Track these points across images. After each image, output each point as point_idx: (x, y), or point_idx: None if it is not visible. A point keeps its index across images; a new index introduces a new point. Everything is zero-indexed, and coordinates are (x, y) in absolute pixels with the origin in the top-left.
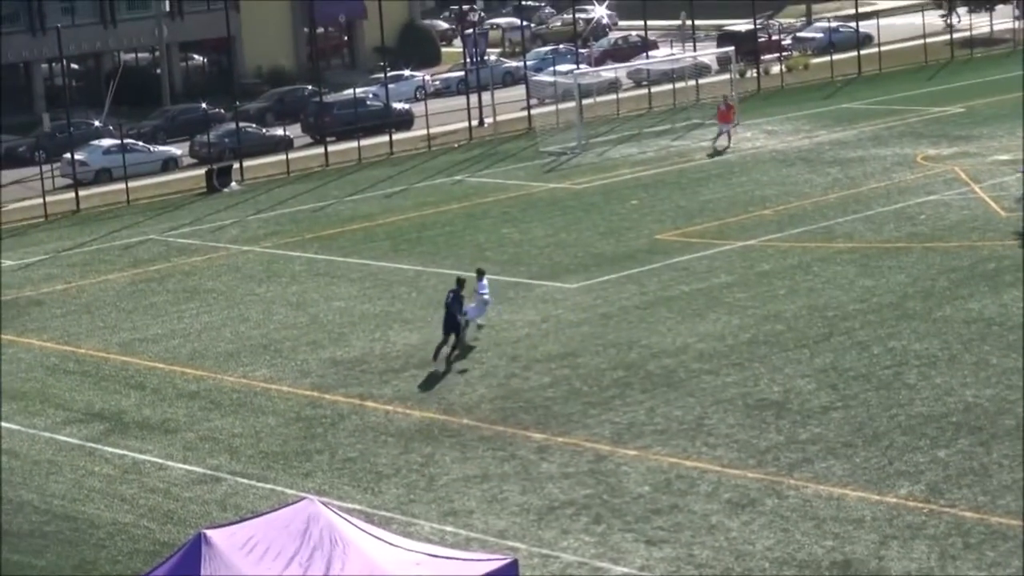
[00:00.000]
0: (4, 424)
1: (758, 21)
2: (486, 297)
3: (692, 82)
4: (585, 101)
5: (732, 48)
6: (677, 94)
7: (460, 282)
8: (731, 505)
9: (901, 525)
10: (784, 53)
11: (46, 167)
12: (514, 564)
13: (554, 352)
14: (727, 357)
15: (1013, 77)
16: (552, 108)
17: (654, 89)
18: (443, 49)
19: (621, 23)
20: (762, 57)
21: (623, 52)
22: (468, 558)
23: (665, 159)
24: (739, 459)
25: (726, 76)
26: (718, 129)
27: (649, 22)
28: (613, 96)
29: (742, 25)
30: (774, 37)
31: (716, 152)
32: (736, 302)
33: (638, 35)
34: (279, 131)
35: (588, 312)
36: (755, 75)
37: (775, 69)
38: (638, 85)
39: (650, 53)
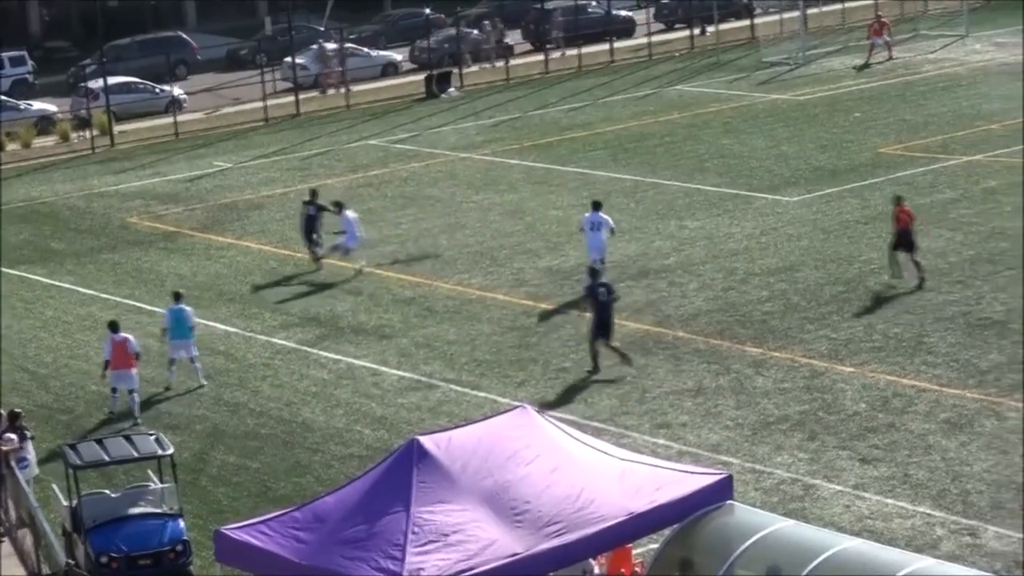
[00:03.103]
0: (222, 327)
1: None
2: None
3: None
4: (810, 11)
5: None
6: (905, 5)
7: (313, 192)
8: (949, 425)
9: None
10: None
11: (267, 70)
12: (728, 479)
13: (772, 266)
14: (949, 274)
15: None
16: (776, 17)
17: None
18: None
19: None
20: None
21: None
22: (682, 470)
23: (890, 71)
24: (958, 379)
25: None
26: (870, 43)
27: None
28: (838, 6)
29: None
30: None
31: (865, 66)
32: (960, 218)
33: None
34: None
35: (808, 226)
36: None
37: None
38: None
39: None
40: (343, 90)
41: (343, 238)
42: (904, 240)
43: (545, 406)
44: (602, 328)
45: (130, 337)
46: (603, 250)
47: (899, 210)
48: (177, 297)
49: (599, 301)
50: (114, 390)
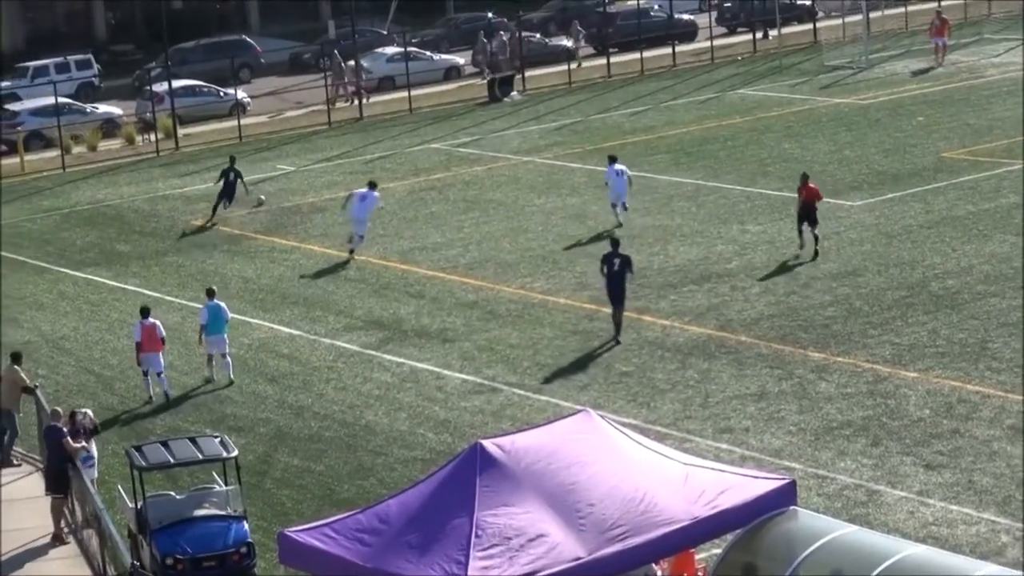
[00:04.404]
0: (287, 330)
1: None
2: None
3: None
4: (872, 14)
5: None
6: (968, 8)
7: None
8: (1014, 431)
9: None
10: None
11: (330, 74)
12: (792, 484)
13: (835, 270)
14: (1013, 280)
15: None
16: (838, 21)
17: (944, 3)
18: None
19: None
20: None
21: None
22: (745, 475)
23: (953, 75)
24: (1023, 385)
25: None
26: (934, 44)
27: None
28: (901, 9)
29: None
30: None
31: (930, 69)
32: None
33: None
34: (562, 41)
35: (870, 230)
36: None
37: None
38: None
39: None
40: (356, 102)
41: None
42: (808, 214)
43: (608, 410)
44: (613, 297)
45: (158, 323)
46: (624, 195)
47: (805, 187)
48: (211, 293)
49: (611, 271)
50: (145, 373)
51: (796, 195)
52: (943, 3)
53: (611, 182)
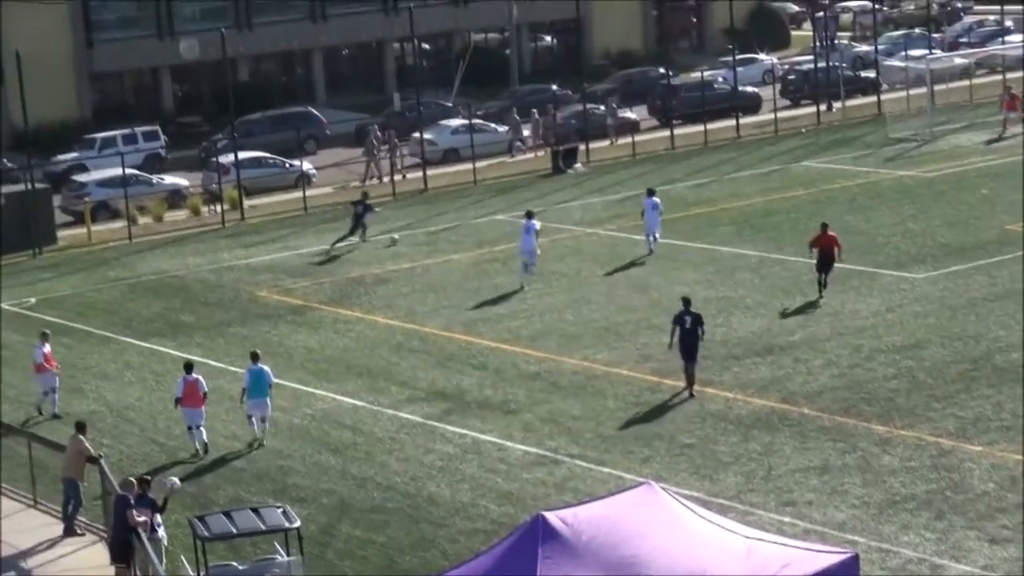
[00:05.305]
0: (350, 401)
1: None
2: None
3: None
4: (937, 87)
5: None
6: None
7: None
8: None
9: None
10: None
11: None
12: (855, 558)
13: (898, 343)
14: None
15: None
16: (903, 94)
17: (1008, 76)
18: (793, 32)
19: (976, 7)
20: None
21: (976, 37)
22: (808, 548)
23: (1017, 147)
24: None
25: None
26: (1004, 117)
27: (1005, 7)
28: (966, 82)
29: None
30: None
31: (998, 140)
32: None
33: (994, 20)
34: (626, 113)
35: (934, 303)
36: None
37: None
38: (992, 71)
39: (1006, 39)
40: (390, 179)
41: None
42: (826, 262)
43: (670, 483)
44: (686, 354)
45: (200, 378)
46: (655, 227)
47: (824, 235)
48: (255, 357)
49: (683, 328)
50: (189, 428)
51: (812, 246)
52: (1009, 76)
53: (646, 216)
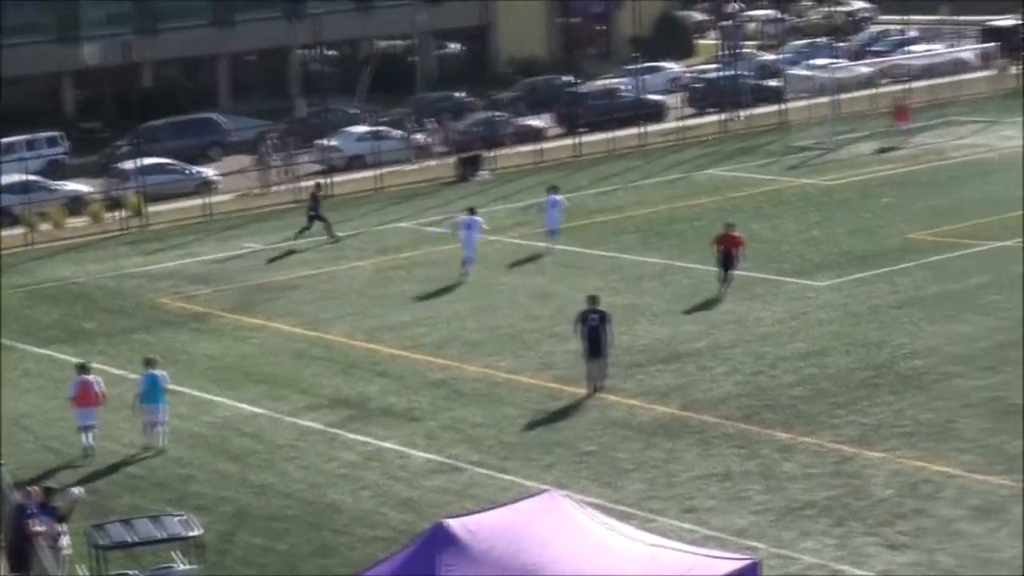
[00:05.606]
0: (251, 408)
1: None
2: None
3: (951, 79)
4: (840, 96)
5: (995, 44)
6: (935, 90)
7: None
8: (977, 512)
9: None
10: None
11: (299, 152)
12: (755, 565)
13: (802, 350)
14: (979, 360)
15: None
16: (807, 102)
17: (912, 85)
18: (698, 41)
19: (880, 17)
20: None
21: (881, 47)
22: (709, 555)
23: (919, 157)
24: (987, 465)
25: (987, 72)
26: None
27: (909, 17)
28: (869, 91)
29: (1006, 20)
30: None
31: (885, 149)
32: (990, 304)
33: (898, 29)
34: (531, 120)
35: (838, 311)
36: (1019, 71)
37: None
38: (895, 81)
39: (909, 48)
40: (286, 187)
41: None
42: (728, 260)
43: (572, 490)
44: (592, 352)
45: (94, 379)
46: (556, 223)
47: (726, 235)
48: (149, 363)
49: (589, 326)
50: (80, 428)
51: (716, 244)
52: (911, 85)
53: (546, 214)
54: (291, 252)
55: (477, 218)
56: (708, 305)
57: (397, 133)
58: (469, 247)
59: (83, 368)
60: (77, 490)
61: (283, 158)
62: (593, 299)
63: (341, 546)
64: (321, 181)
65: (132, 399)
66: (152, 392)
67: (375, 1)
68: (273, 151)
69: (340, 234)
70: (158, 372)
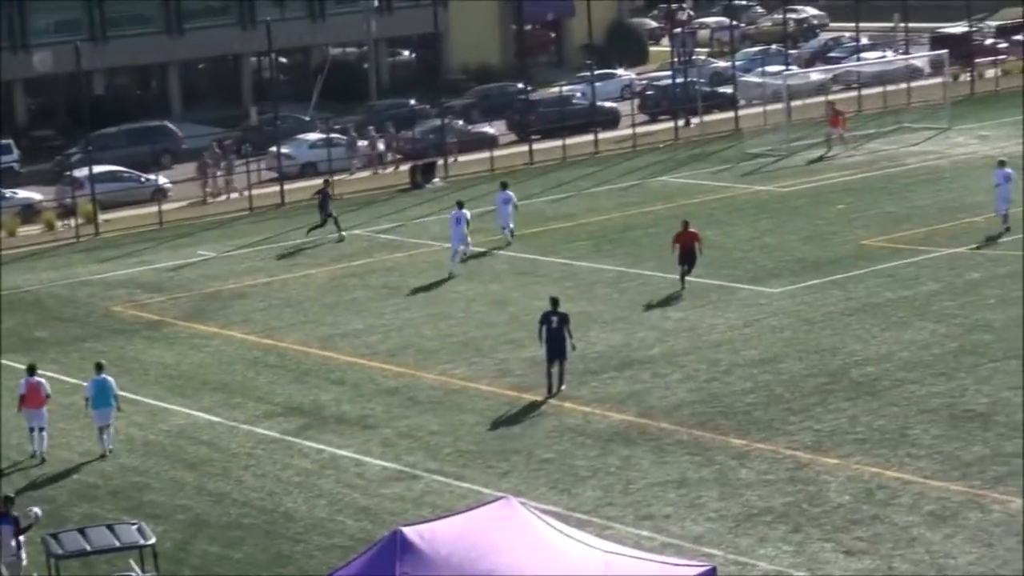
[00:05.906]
0: (206, 416)
1: (972, 24)
2: None
3: (903, 85)
4: (793, 103)
5: (945, 51)
6: (887, 97)
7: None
8: (933, 517)
9: None
10: (999, 56)
11: (252, 160)
12: (712, 571)
13: (756, 357)
14: (932, 366)
15: None
16: (760, 109)
17: (864, 92)
18: (651, 48)
19: (832, 25)
20: (976, 60)
21: (833, 54)
22: (666, 562)
23: (873, 163)
24: (942, 471)
25: (938, 79)
26: (827, 134)
27: (861, 24)
28: (822, 98)
29: (956, 28)
30: (988, 40)
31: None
32: (943, 310)
33: (850, 36)
34: (484, 128)
35: (791, 317)
36: (969, 79)
37: (989, 73)
38: (848, 88)
39: (861, 55)
40: (229, 196)
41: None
42: (688, 258)
43: (528, 497)
44: (553, 354)
45: (43, 381)
46: (508, 220)
47: (684, 232)
48: (99, 368)
49: (551, 328)
50: (31, 429)
51: (675, 242)
52: (864, 92)
53: (498, 211)
54: (300, 249)
55: (464, 211)
56: (662, 312)
57: (350, 140)
58: (457, 239)
59: (32, 369)
60: (36, 510)
61: (225, 167)
62: (555, 301)
63: (298, 554)
64: (329, 178)
65: (83, 404)
66: (102, 396)
67: (328, 8)
68: (214, 161)
69: (333, 235)
70: (107, 377)
